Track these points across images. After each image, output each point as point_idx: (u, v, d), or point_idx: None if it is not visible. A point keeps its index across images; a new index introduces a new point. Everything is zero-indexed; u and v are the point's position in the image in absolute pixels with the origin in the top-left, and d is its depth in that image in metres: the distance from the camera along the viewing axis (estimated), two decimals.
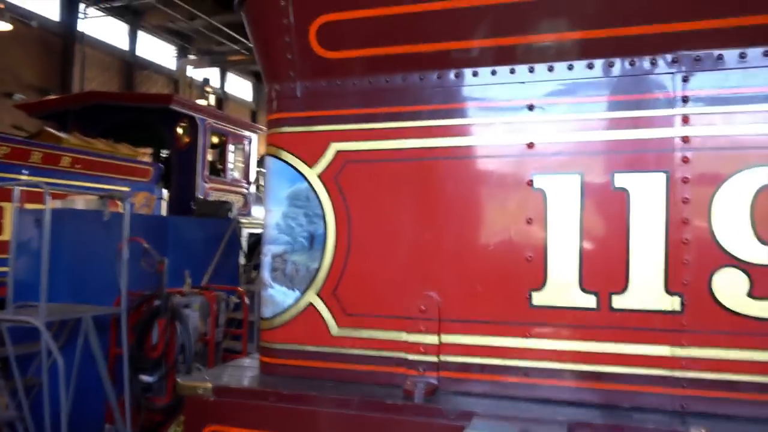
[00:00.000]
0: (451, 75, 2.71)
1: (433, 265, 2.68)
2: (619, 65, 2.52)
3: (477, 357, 2.60)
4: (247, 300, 7.71)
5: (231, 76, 28.18)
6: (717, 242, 2.36)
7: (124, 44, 23.37)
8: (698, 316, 2.36)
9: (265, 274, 2.91)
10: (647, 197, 2.44)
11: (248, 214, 13.36)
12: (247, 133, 14.57)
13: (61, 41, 21.04)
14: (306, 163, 2.86)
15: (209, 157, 13.10)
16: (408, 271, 2.71)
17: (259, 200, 14.96)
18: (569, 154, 2.54)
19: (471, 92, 2.67)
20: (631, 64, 2.50)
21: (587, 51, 2.55)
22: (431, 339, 2.63)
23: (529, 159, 2.58)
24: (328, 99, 2.85)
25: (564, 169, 2.54)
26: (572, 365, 2.49)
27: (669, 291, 2.39)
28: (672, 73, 2.46)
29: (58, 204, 6.94)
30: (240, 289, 7.90)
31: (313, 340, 2.82)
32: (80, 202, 6.90)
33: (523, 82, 2.62)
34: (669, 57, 2.47)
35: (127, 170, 10.05)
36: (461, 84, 2.68)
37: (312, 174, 2.85)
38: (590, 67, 2.55)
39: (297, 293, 2.84)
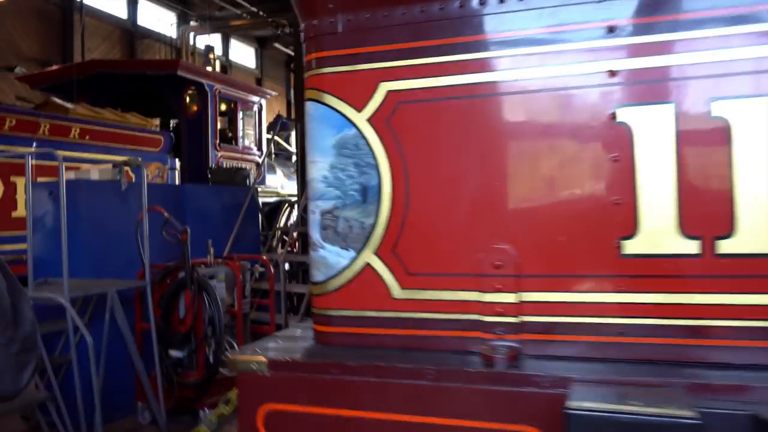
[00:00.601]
0: None
1: (506, 214, 2.38)
2: None
3: (563, 316, 2.31)
4: (272, 269, 7.47)
5: (234, 43, 27.53)
6: None
7: (123, 13, 22.79)
8: None
9: (315, 233, 2.62)
10: (752, 126, 2.11)
11: (262, 182, 13.09)
12: (255, 98, 14.20)
13: (59, 11, 20.50)
14: (353, 107, 2.53)
15: (219, 125, 12.78)
16: (477, 223, 2.41)
17: (272, 168, 14.68)
18: (658, 81, 2.20)
19: (539, 16, 2.32)
20: None
21: None
22: (509, 297, 2.34)
23: (610, 89, 2.24)
24: (374, 32, 2.51)
25: (652, 99, 2.20)
26: (673, 320, 2.19)
27: None
28: None
29: (71, 176, 6.65)
30: (264, 257, 7.65)
31: (373, 304, 2.53)
32: (95, 173, 6.61)
33: (599, 1, 2.27)
34: None
35: (137, 140, 9.73)
36: (528, 7, 2.33)
37: (360, 118, 2.52)
38: None
39: (352, 253, 2.55)
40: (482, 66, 2.37)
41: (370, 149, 2.51)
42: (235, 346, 6.58)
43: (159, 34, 23.34)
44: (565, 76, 2.29)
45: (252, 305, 7.48)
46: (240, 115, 13.64)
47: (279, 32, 21.02)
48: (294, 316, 8.14)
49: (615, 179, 2.24)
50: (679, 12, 2.18)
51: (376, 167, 2.50)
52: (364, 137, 2.52)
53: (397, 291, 2.50)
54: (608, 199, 2.25)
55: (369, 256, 2.53)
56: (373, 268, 2.52)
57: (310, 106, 2.63)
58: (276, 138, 17.01)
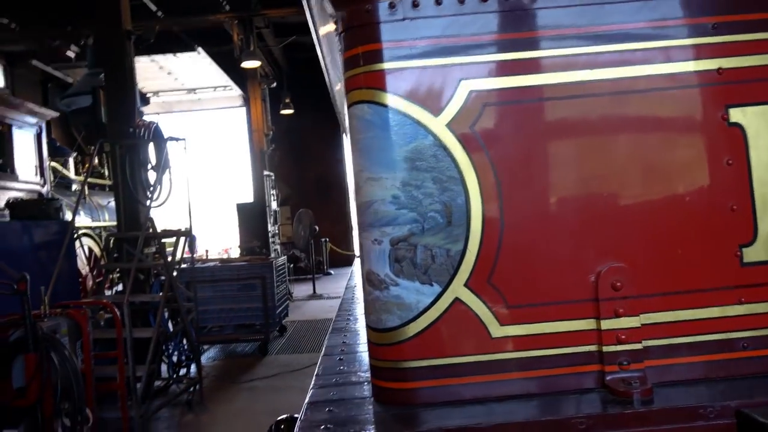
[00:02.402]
0: None
1: (616, 228, 2.11)
2: None
3: (683, 336, 2.11)
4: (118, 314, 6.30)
5: None
6: None
7: None
8: None
9: (382, 268, 2.09)
10: None
11: None
12: (33, 120, 12.29)
13: None
14: (428, 110, 2.08)
15: None
16: (584, 240, 2.10)
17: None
18: (763, 80, 2.12)
19: (641, 8, 2.11)
20: None
21: None
22: (632, 322, 2.07)
23: (720, 88, 2.11)
24: (451, 20, 2.09)
25: (760, 99, 2.12)
26: None
27: None
28: None
29: None
30: (107, 302, 6.43)
31: (467, 348, 2.08)
32: None
33: None
34: None
35: None
36: None
37: (438, 124, 2.07)
38: None
39: (436, 288, 2.07)
40: (585, 62, 2.08)
41: (453, 160, 2.07)
42: (89, 415, 5.40)
43: None
44: (672, 75, 2.10)
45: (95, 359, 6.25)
46: (16, 138, 11.67)
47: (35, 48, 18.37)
48: (141, 366, 6.98)
49: (730, 183, 2.11)
50: None
51: (462, 182, 2.07)
52: (443, 146, 2.07)
53: (495, 329, 2.08)
54: (725, 204, 2.10)
55: (458, 290, 2.08)
56: (464, 304, 2.08)
57: (364, 110, 2.11)
58: (54, 165, 14.94)
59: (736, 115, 2.10)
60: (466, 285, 2.07)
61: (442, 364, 2.08)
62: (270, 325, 10.49)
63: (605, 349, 2.07)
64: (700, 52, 2.11)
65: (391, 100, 2.07)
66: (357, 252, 25.65)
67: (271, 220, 17.82)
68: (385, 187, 2.08)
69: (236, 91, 23.17)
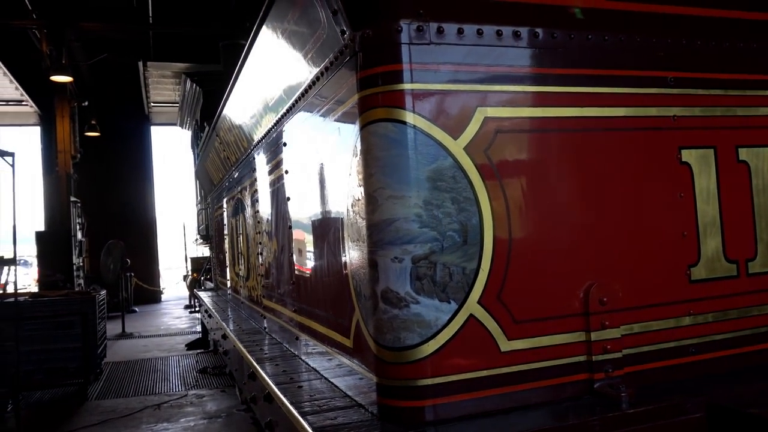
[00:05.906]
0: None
1: (600, 251, 2.36)
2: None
3: (651, 344, 2.41)
4: None
5: None
6: None
7: None
8: None
9: (402, 286, 2.10)
10: (763, 169, 2.64)
11: None
12: None
13: None
14: (448, 133, 2.16)
15: None
16: (577, 260, 2.32)
17: None
18: (705, 128, 2.55)
19: (624, 59, 2.43)
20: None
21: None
22: (615, 333, 2.31)
23: (674, 133, 2.50)
24: (472, 49, 2.21)
25: (701, 143, 2.54)
26: (727, 334, 2.52)
27: None
28: None
29: None
30: None
31: (479, 363, 2.16)
32: None
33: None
34: None
35: None
36: (620, 49, 2.42)
37: (457, 147, 2.17)
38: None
39: (453, 305, 2.14)
40: (584, 100, 2.34)
41: (469, 182, 2.17)
42: None
43: None
44: (643, 117, 2.44)
45: None
46: None
47: None
48: None
49: (682, 213, 2.48)
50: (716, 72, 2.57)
51: (476, 203, 2.18)
52: (461, 168, 2.17)
53: (504, 343, 2.20)
54: (679, 231, 2.47)
55: (473, 307, 2.16)
56: (478, 321, 2.17)
57: (388, 128, 2.13)
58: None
59: (686, 155, 2.49)
60: (479, 302, 2.17)
61: (456, 380, 2.13)
62: (91, 366, 9.44)
63: (595, 358, 2.28)
64: (659, 100, 2.47)
65: (417, 120, 2.13)
66: (162, 287, 24.04)
67: (77, 252, 16.12)
68: (408, 205, 2.11)
69: (31, 107, 20.83)
